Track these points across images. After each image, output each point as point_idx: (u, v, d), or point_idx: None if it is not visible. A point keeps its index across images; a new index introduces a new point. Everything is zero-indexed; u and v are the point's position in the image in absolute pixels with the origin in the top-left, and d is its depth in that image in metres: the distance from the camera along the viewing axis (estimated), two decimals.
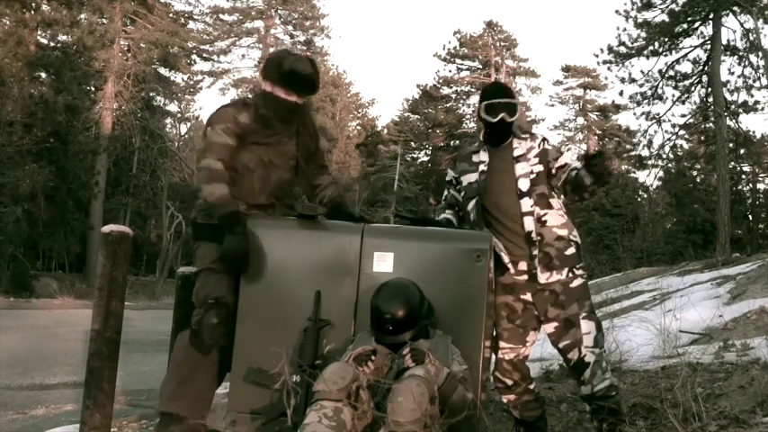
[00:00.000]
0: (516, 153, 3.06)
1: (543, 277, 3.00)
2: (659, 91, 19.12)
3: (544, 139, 3.11)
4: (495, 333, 3.11)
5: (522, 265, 3.02)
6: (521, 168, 3.03)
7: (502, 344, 3.08)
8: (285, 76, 2.95)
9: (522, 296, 3.04)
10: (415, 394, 2.15)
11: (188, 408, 2.88)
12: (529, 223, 2.99)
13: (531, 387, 3.17)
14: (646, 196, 29.56)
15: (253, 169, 2.95)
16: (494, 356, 3.17)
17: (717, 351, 4.62)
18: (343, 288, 2.86)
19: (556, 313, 3.00)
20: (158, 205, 27.95)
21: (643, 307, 8.05)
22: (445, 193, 3.28)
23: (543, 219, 3.01)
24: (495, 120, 3.03)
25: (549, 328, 3.04)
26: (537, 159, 3.05)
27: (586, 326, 3.00)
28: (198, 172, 2.96)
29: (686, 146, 24.21)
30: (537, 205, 3.00)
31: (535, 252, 2.99)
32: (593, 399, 3.04)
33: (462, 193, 3.17)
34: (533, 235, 2.98)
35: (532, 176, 3.02)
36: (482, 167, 3.10)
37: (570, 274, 3.01)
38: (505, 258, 3.02)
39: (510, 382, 3.10)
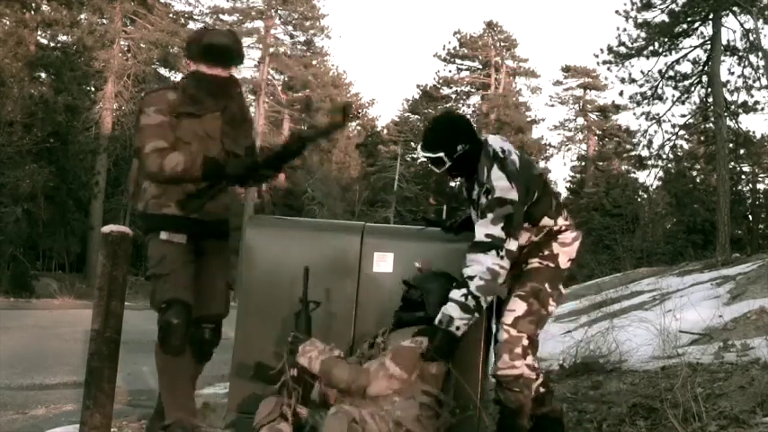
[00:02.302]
0: (473, 195, 2.83)
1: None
2: (659, 91, 19.13)
3: (487, 192, 2.72)
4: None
5: None
6: (473, 215, 2.85)
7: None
8: (204, 51, 2.99)
9: None
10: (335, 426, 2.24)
11: (188, 411, 2.91)
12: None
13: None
14: (646, 196, 29.58)
15: (189, 142, 2.91)
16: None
17: (717, 351, 4.63)
18: (343, 288, 2.86)
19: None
20: None
21: (643, 307, 8.05)
22: None
23: None
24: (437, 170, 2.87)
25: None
26: (477, 211, 2.79)
27: (513, 304, 2.77)
28: (146, 158, 2.87)
29: (686, 146, 24.24)
30: None
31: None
32: (496, 383, 2.80)
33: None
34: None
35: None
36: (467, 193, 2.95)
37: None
38: None
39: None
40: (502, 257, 2.61)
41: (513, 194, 2.67)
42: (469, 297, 2.56)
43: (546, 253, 2.85)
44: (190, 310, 2.84)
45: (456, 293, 2.58)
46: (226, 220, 3.10)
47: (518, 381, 2.71)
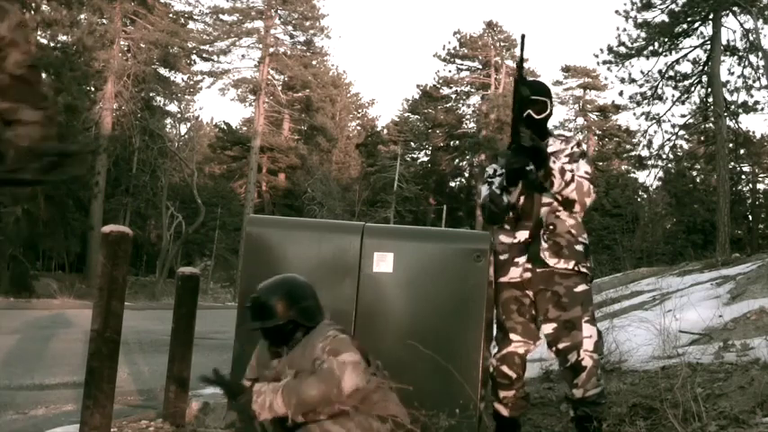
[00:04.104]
0: (549, 150, 3.06)
1: (552, 261, 2.98)
2: (659, 91, 19.17)
3: (578, 143, 3.18)
4: (505, 327, 3.04)
5: (530, 264, 3.00)
6: (550, 164, 3.01)
7: (515, 337, 3.02)
8: None
9: (527, 291, 3.03)
10: None
11: None
12: (542, 211, 3.01)
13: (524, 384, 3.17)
14: (646, 196, 29.60)
15: None
16: (494, 351, 3.15)
17: (717, 351, 4.61)
18: (343, 288, 2.86)
19: (556, 315, 2.97)
20: (158, 205, 27.98)
21: (643, 307, 8.04)
22: (486, 189, 3.17)
23: (557, 212, 3.02)
24: (538, 117, 3.04)
25: (548, 328, 3.00)
26: (567, 159, 3.07)
27: (588, 330, 2.97)
28: None
29: (686, 146, 24.26)
30: (555, 201, 3.03)
31: (545, 236, 3.00)
32: (583, 404, 2.98)
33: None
34: (544, 221, 3.00)
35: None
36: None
37: (575, 269, 3.00)
38: (505, 257, 3.02)
39: (515, 376, 3.05)
40: (596, 186, 3.16)
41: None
42: (569, 173, 2.96)
43: (589, 265, 3.07)
44: None
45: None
46: None
47: (601, 396, 3.00)
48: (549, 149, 3.05)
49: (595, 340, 2.99)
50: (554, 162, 2.96)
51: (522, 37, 3.07)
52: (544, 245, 2.99)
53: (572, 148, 3.12)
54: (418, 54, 78.89)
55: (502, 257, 3.05)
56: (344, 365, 2.22)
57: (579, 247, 3.04)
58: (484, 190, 3.19)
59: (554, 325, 2.99)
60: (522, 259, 3.00)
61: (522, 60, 3.05)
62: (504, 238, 3.05)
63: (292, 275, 2.61)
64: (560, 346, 2.99)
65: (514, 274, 3.01)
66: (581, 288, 3.02)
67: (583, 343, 2.95)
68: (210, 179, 37.78)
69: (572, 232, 3.04)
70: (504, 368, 3.05)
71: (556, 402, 3.96)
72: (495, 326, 3.15)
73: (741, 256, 14.88)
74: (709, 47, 17.90)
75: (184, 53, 29.62)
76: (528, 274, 3.00)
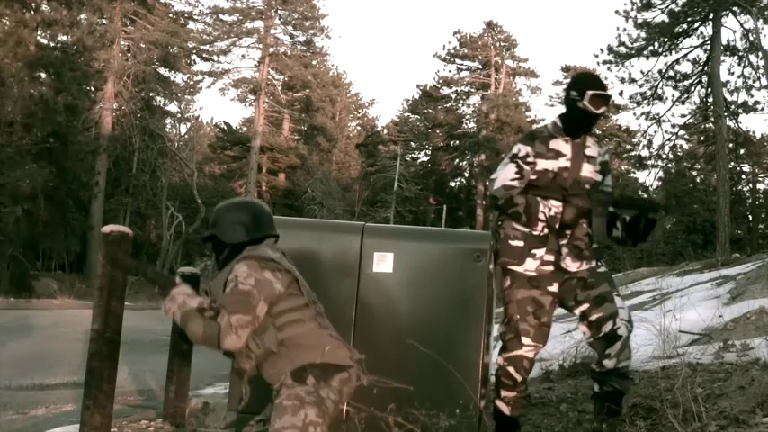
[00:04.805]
0: (588, 152, 3.09)
1: (574, 266, 2.99)
2: (659, 91, 19.18)
3: (607, 151, 3.23)
4: (517, 329, 2.98)
5: (550, 256, 2.99)
6: (587, 170, 3.05)
7: (527, 341, 2.99)
8: None
9: (548, 288, 3.00)
10: None
11: None
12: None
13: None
14: (646, 196, 29.55)
15: None
16: (500, 350, 3.13)
17: (717, 351, 4.61)
18: (343, 288, 2.86)
19: (585, 294, 3.00)
20: (158, 205, 27.98)
21: (643, 307, 8.04)
22: (515, 170, 3.00)
23: (583, 216, 3.06)
24: (598, 112, 3.01)
25: (580, 309, 3.02)
26: (599, 167, 3.10)
27: (620, 302, 3.02)
28: None
29: (686, 146, 24.27)
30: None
31: (563, 242, 3.00)
32: (612, 376, 2.97)
33: (534, 177, 3.03)
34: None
35: (592, 182, 3.08)
36: (563, 162, 3.03)
37: (597, 263, 3.07)
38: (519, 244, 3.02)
39: (520, 379, 3.05)
40: None
41: None
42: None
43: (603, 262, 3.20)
44: None
45: None
46: None
47: (630, 371, 3.06)
48: (587, 152, 3.08)
49: (628, 312, 3.05)
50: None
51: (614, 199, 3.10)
52: (565, 250, 3.00)
53: (604, 155, 3.17)
54: (418, 54, 78.93)
55: (514, 243, 3.01)
56: (230, 328, 2.23)
57: (594, 245, 3.10)
58: (511, 169, 3.02)
59: (586, 304, 3.01)
60: (540, 252, 2.98)
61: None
62: (518, 225, 3.02)
63: (250, 200, 2.70)
64: (593, 318, 3.00)
65: (530, 266, 2.98)
66: (603, 269, 3.09)
67: (618, 312, 2.98)
68: (210, 179, 37.76)
69: (588, 233, 3.07)
70: (511, 369, 3.03)
71: (556, 402, 3.96)
72: (498, 321, 3.13)
73: (741, 256, 14.86)
74: (709, 47, 17.92)
75: (184, 53, 29.60)
76: (547, 268, 2.99)
